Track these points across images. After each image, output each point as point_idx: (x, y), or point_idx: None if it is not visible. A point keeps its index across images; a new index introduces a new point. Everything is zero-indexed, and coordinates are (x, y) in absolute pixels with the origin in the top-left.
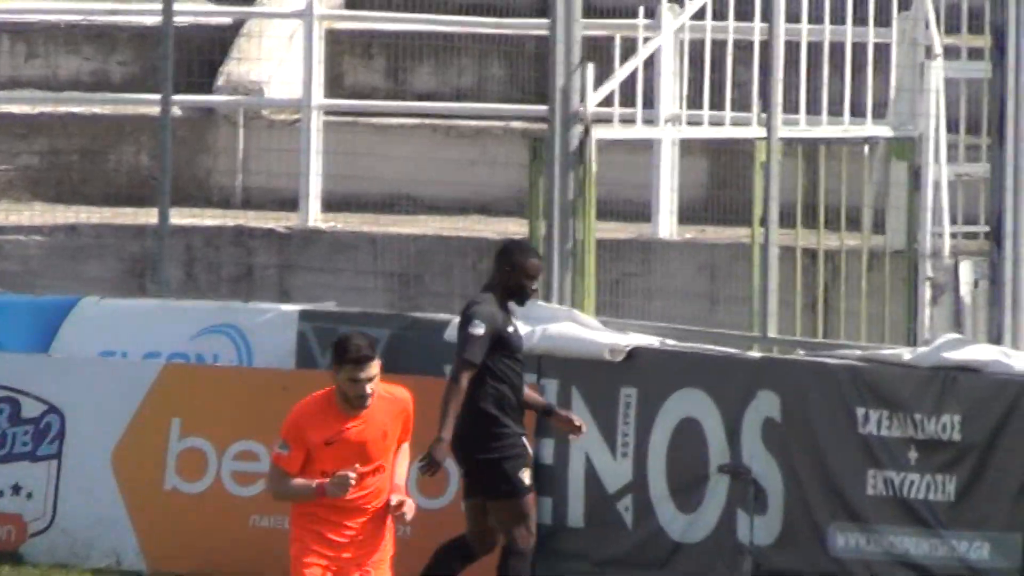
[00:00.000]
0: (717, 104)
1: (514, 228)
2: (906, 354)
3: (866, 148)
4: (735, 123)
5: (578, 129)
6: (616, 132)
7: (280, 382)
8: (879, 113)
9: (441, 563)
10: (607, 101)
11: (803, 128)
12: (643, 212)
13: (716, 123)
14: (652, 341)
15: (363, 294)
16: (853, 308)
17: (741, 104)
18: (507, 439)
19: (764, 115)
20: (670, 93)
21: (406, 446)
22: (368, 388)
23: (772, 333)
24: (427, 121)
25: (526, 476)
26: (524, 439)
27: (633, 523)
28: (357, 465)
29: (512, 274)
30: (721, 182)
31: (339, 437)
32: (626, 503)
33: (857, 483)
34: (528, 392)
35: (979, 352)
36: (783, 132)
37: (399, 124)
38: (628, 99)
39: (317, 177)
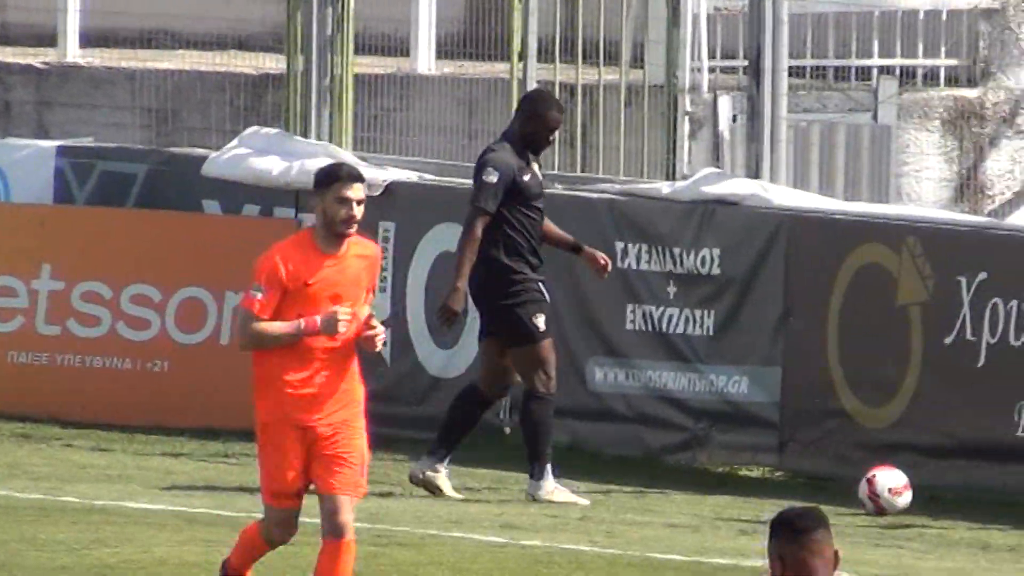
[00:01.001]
0: None
1: (271, 63)
2: (665, 188)
3: None
4: None
5: None
6: None
7: (38, 217)
8: None
9: (460, 413)
10: None
11: None
12: (401, 47)
13: None
14: (410, 176)
15: (121, 130)
16: (612, 143)
17: None
18: (521, 284)
19: None
20: None
21: (371, 298)
22: (356, 210)
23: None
24: None
25: (541, 321)
26: (541, 284)
27: (391, 359)
28: (347, 305)
29: (531, 123)
30: (479, 17)
31: (319, 277)
32: (384, 338)
33: (616, 318)
34: (555, 232)
35: (737, 186)
36: None
37: None
38: None
39: (75, 12)
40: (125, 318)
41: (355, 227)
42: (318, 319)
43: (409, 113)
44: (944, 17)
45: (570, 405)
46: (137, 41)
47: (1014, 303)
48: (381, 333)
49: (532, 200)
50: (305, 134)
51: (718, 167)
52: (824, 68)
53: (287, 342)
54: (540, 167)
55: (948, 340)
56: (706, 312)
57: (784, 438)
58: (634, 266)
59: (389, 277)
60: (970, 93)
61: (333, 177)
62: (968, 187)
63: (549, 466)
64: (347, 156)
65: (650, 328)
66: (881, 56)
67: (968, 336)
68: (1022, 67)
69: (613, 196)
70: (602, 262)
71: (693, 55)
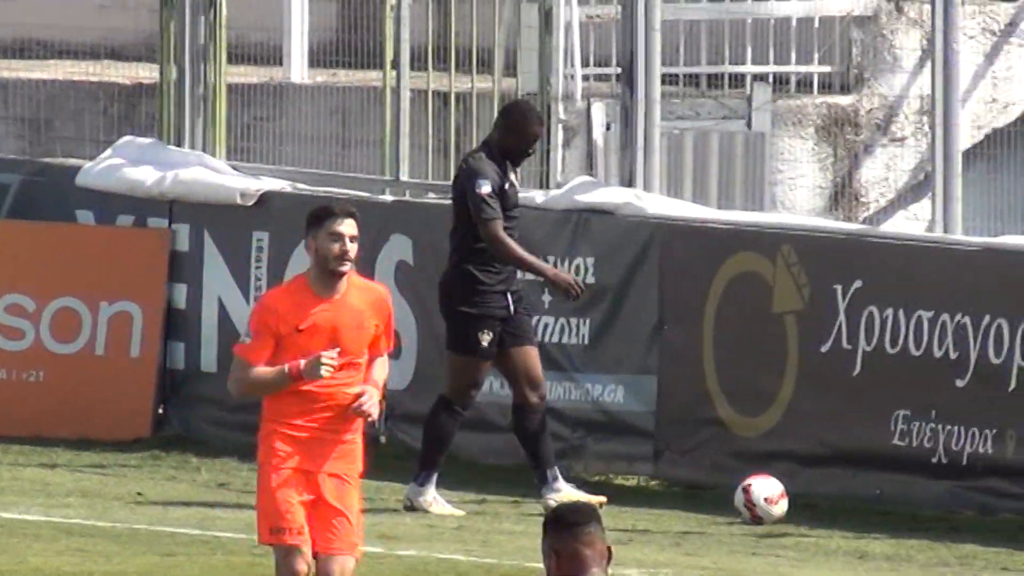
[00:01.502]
0: None
1: (144, 73)
2: (539, 197)
3: None
4: None
5: None
6: None
7: None
8: None
9: (528, 433)
10: None
11: None
12: (274, 56)
13: None
14: (284, 185)
15: None
16: None
17: None
18: (482, 296)
19: None
20: None
21: (385, 357)
22: (350, 246)
23: (404, 177)
24: None
25: (486, 339)
26: (507, 297)
27: None
28: (351, 348)
29: (512, 135)
30: (352, 25)
31: (312, 321)
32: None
33: None
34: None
35: (611, 195)
36: None
37: None
38: None
39: None
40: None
41: (349, 264)
42: (302, 363)
43: (283, 122)
44: (817, 24)
45: None
46: (9, 51)
47: (889, 311)
48: (368, 402)
49: (509, 210)
50: (179, 144)
51: (592, 175)
52: (697, 75)
53: (275, 389)
54: (518, 177)
55: (824, 348)
56: (581, 321)
57: (660, 447)
58: None
59: (264, 286)
60: (844, 100)
61: (326, 214)
62: (843, 195)
63: (435, 476)
64: (222, 166)
65: None
66: (755, 63)
67: (844, 344)
68: (895, 74)
69: None
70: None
71: (566, 63)
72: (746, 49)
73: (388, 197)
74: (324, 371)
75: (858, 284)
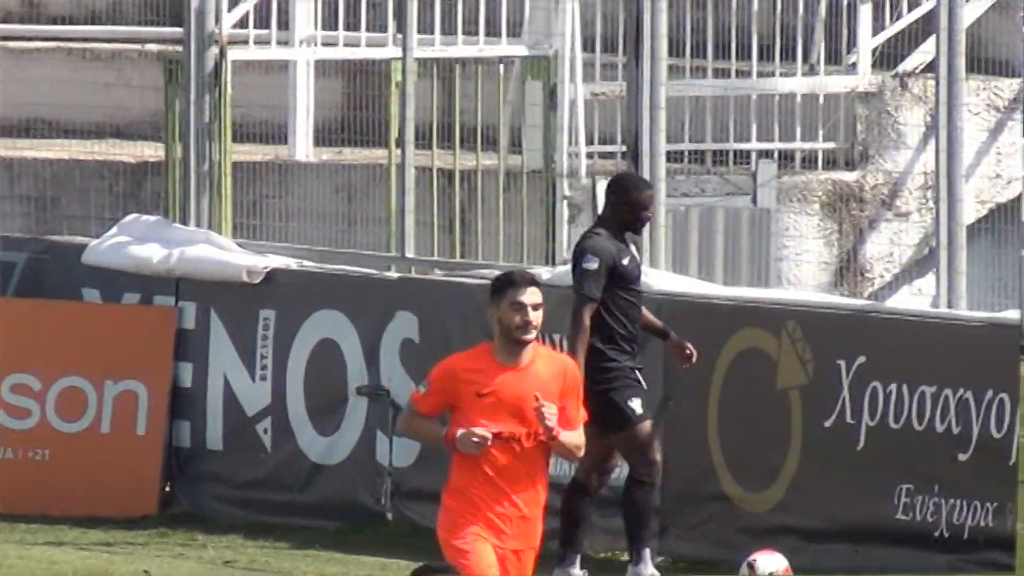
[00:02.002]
0: (352, 24)
1: (150, 152)
2: (544, 274)
3: (501, 67)
4: (370, 44)
5: (213, 51)
6: (251, 53)
7: None
8: (514, 32)
9: (572, 513)
10: (243, 22)
11: (438, 48)
12: (279, 134)
13: (351, 44)
14: (289, 262)
15: (0, 219)
16: (490, 228)
17: (376, 24)
18: (614, 371)
19: (399, 35)
20: (305, 13)
21: (580, 431)
22: (532, 315)
23: (410, 254)
24: (63, 44)
25: (637, 404)
26: (637, 372)
27: (272, 445)
28: (501, 428)
29: (623, 206)
30: (357, 103)
31: (493, 388)
32: (265, 425)
33: None
34: (646, 317)
35: None
36: (418, 52)
37: (35, 48)
38: (263, 20)
39: None
40: (5, 407)
41: (534, 333)
42: (458, 433)
43: (288, 200)
44: (822, 100)
45: None
46: (15, 130)
47: (893, 386)
48: (548, 412)
49: (630, 284)
50: (184, 221)
51: None
52: (702, 152)
53: (433, 441)
54: (639, 250)
55: (828, 423)
56: None
57: (665, 523)
58: None
59: (270, 364)
60: (849, 176)
61: (507, 283)
62: (848, 270)
63: (648, 551)
64: (228, 243)
65: None
66: (759, 139)
67: (848, 419)
68: (899, 150)
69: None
70: (687, 352)
71: (571, 140)
72: (751, 125)
73: (393, 274)
74: (475, 448)
75: (861, 359)
